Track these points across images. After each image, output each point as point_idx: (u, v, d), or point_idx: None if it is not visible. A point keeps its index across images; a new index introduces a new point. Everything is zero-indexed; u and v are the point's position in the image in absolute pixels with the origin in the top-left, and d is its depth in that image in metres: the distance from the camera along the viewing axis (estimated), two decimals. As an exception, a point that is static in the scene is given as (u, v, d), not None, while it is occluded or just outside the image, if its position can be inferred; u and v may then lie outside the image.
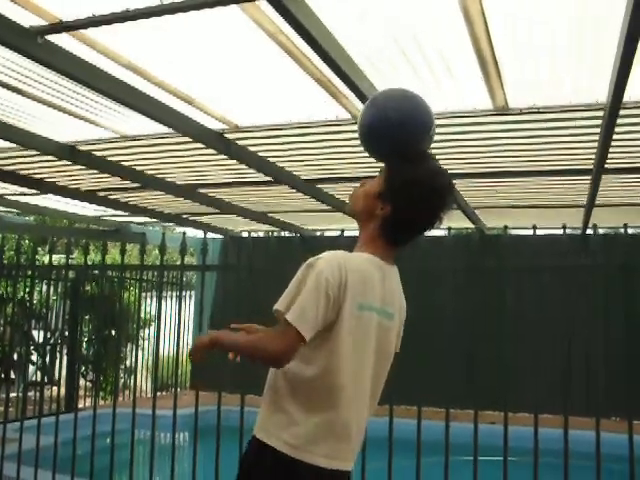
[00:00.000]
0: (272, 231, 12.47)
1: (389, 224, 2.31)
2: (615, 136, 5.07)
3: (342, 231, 4.66)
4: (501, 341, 4.69)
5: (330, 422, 2.22)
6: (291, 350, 2.14)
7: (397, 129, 2.33)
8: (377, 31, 3.88)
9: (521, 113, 5.02)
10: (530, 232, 4.33)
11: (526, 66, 4.25)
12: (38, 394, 7.26)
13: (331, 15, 3.58)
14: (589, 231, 9.42)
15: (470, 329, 4.57)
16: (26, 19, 3.71)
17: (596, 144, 5.56)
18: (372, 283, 2.26)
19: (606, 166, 5.99)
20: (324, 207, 8.88)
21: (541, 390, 4.28)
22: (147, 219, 11.48)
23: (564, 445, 4.06)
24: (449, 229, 4.60)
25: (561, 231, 4.42)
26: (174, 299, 10.77)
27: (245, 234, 12.57)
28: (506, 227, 4.51)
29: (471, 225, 10.06)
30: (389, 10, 3.66)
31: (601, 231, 10.21)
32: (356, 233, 2.42)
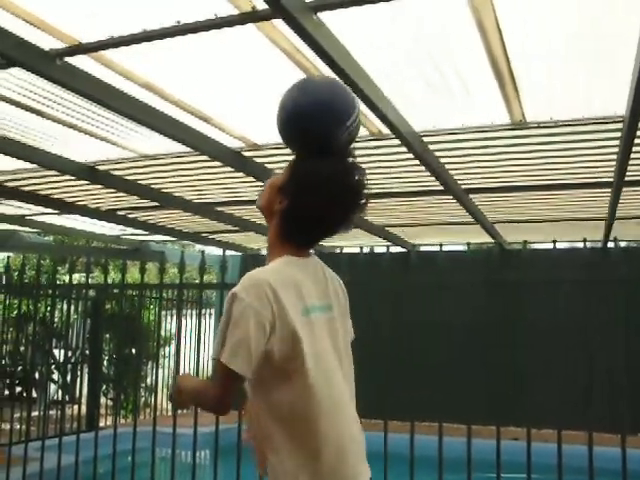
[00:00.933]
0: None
1: (287, 220, 2.17)
2: (635, 148, 5.03)
3: (361, 248, 4.65)
4: (522, 355, 4.65)
5: (323, 450, 2.06)
6: (227, 392, 2.02)
7: (306, 117, 2.14)
8: (392, 48, 3.88)
9: (539, 127, 5.00)
10: (550, 246, 4.31)
11: (543, 80, 4.23)
12: (59, 412, 7.27)
13: (347, 33, 3.58)
14: (610, 244, 9.36)
15: (491, 344, 4.53)
16: (46, 42, 3.75)
17: (615, 156, 5.52)
18: (303, 285, 2.12)
19: (626, 179, 5.95)
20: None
21: (564, 405, 4.23)
22: (166, 237, 11.52)
23: (588, 462, 4.01)
24: (468, 244, 4.58)
25: (581, 244, 4.40)
26: (194, 317, 10.80)
27: (264, 251, 12.56)
28: (525, 242, 4.47)
29: (490, 239, 10.01)
30: (404, 27, 3.66)
31: (622, 244, 10.14)
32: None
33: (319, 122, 2.12)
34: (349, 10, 3.32)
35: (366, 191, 2.16)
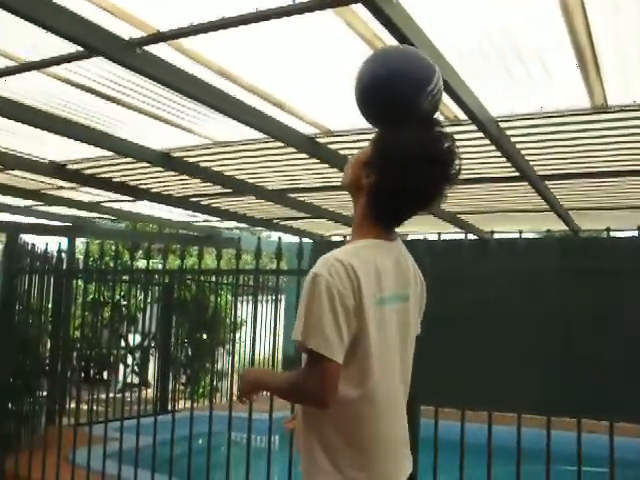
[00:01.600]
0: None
1: (375, 196, 2.06)
2: None
3: (439, 234, 4.58)
4: (603, 346, 4.54)
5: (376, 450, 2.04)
6: (330, 382, 1.91)
7: (384, 88, 2.06)
8: (470, 30, 3.80)
9: (621, 110, 4.84)
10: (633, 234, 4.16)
11: (627, 62, 4.09)
12: (134, 395, 7.44)
13: (425, 16, 3.53)
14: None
15: (571, 333, 4.43)
16: (126, 31, 3.80)
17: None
18: (384, 272, 2.04)
19: None
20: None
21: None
22: (236, 224, 11.63)
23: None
24: (548, 231, 4.48)
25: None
26: (267, 303, 10.90)
27: (336, 238, 12.58)
28: (608, 229, 4.34)
29: (565, 227, 9.79)
30: (482, 9, 3.58)
31: None
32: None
33: (399, 90, 2.04)
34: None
35: (457, 160, 2.04)
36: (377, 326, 1.99)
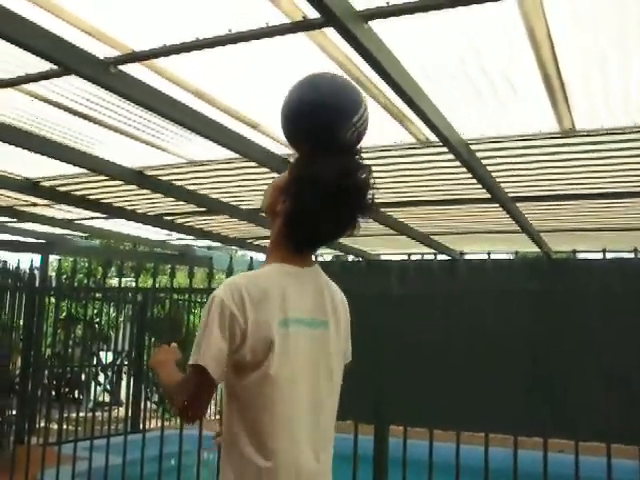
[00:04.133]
0: (337, 255, 12.48)
1: (289, 220, 2.06)
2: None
3: (409, 255, 4.65)
4: (569, 365, 4.59)
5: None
6: (196, 397, 1.98)
7: (309, 114, 2.07)
8: (442, 56, 3.88)
9: (588, 135, 4.94)
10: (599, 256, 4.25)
11: (594, 88, 4.19)
12: (104, 414, 7.40)
13: (396, 41, 3.59)
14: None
15: (537, 353, 4.49)
16: (100, 50, 3.83)
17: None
18: (287, 294, 2.01)
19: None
20: (389, 231, 8.85)
21: (613, 418, 4.18)
22: (211, 243, 11.63)
23: None
24: (516, 252, 4.55)
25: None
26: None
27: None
28: (574, 251, 4.43)
29: (536, 249, 9.91)
30: (454, 35, 3.66)
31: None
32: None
33: (322, 119, 2.04)
34: (399, 18, 3.34)
35: (373, 190, 2.05)
36: (281, 344, 1.97)
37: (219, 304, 1.95)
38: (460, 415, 4.27)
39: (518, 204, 7.20)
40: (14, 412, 7.87)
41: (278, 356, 1.96)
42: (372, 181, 2.05)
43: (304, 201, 2.02)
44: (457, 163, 5.43)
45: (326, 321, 2.12)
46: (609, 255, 4.36)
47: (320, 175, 1.99)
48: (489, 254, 4.50)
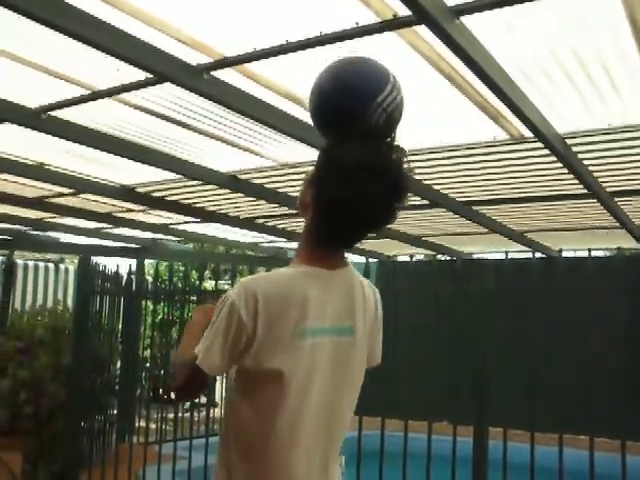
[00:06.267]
0: (428, 255, 12.34)
1: (317, 213, 1.94)
2: None
3: (506, 253, 4.55)
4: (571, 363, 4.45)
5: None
6: (188, 387, 1.98)
7: (326, 101, 1.98)
8: (535, 48, 3.78)
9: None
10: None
11: None
12: (202, 415, 7.53)
13: (488, 35, 3.52)
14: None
15: (540, 351, 4.34)
16: (193, 57, 3.90)
17: None
18: (308, 300, 1.89)
19: None
20: (481, 229, 8.71)
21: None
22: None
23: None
24: (618, 249, 4.38)
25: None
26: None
27: (402, 258, 12.53)
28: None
29: (637, 245, 9.56)
30: (547, 26, 3.55)
31: None
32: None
33: (341, 104, 1.95)
34: (491, 12, 3.26)
35: (408, 175, 1.91)
36: (292, 356, 1.88)
37: (229, 307, 1.87)
38: (560, 417, 4.15)
39: (617, 199, 6.96)
40: (115, 412, 8.10)
41: (287, 367, 1.87)
42: (404, 163, 1.91)
43: (326, 193, 1.89)
44: (553, 158, 5.29)
45: (352, 326, 2.01)
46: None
47: (340, 162, 1.87)
48: (590, 251, 4.36)
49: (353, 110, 1.92)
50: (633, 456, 4.44)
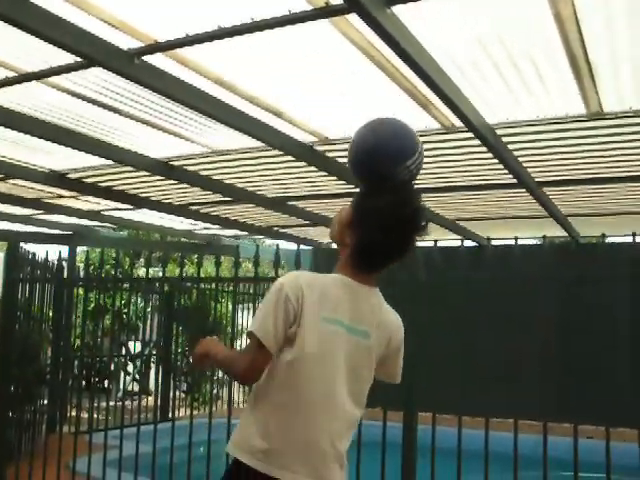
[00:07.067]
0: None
1: (356, 250, 2.36)
2: None
3: (435, 241, 4.60)
4: (600, 351, 4.56)
5: (294, 438, 2.25)
6: (255, 364, 2.26)
7: (368, 155, 2.38)
8: (465, 40, 3.84)
9: (616, 117, 4.87)
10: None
11: (621, 69, 4.12)
12: (134, 403, 7.47)
13: (419, 26, 3.56)
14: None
15: (567, 339, 4.45)
16: (124, 42, 3.84)
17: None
18: (336, 300, 2.31)
19: None
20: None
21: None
22: (237, 232, 11.66)
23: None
24: (544, 237, 4.49)
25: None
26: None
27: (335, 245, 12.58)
28: (603, 235, 4.37)
29: (564, 233, 9.82)
30: (477, 18, 3.61)
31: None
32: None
33: (379, 161, 2.34)
34: (422, 2, 3.30)
35: (424, 219, 2.35)
36: (316, 336, 2.26)
37: (279, 287, 2.26)
38: (488, 401, 4.25)
39: (545, 189, 7.13)
40: (45, 402, 7.96)
41: (312, 340, 2.24)
42: (422, 211, 2.35)
43: (368, 235, 2.31)
44: (483, 148, 5.39)
45: (366, 331, 2.35)
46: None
47: (375, 210, 2.30)
48: (516, 239, 4.46)
49: (388, 171, 2.34)
50: (556, 436, 4.61)
